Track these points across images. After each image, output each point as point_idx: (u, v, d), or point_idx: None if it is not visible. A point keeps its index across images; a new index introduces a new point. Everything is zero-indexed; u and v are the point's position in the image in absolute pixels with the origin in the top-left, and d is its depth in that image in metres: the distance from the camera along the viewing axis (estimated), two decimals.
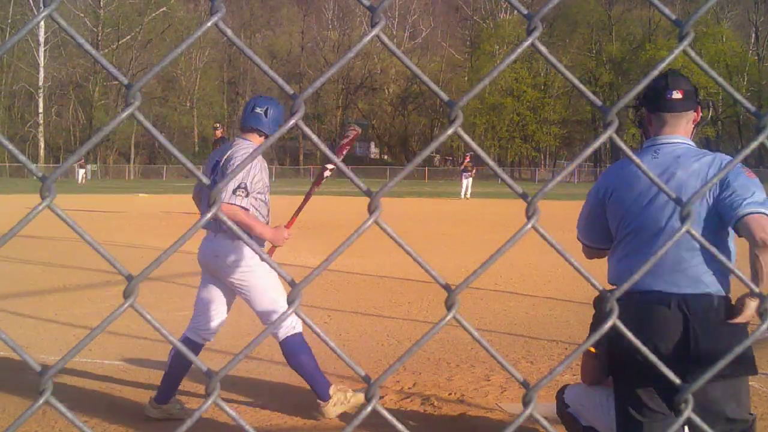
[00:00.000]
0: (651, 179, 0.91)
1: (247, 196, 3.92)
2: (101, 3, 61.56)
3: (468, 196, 28.75)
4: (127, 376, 4.96)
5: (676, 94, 2.73)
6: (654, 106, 2.78)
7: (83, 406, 4.28)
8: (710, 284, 2.58)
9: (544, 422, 0.86)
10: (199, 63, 64.77)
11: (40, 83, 59.26)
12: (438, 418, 4.23)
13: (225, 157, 4.05)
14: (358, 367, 0.84)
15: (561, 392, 3.64)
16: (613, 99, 56.97)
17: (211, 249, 4.07)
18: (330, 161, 1.00)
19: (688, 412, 0.90)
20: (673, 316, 2.55)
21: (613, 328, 0.85)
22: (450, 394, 4.63)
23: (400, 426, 0.81)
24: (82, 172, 48.80)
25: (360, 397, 4.17)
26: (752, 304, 2.49)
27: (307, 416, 4.22)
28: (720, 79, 0.96)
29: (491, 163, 0.84)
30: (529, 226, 0.81)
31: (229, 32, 0.81)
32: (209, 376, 0.78)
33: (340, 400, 4.15)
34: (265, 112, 4.14)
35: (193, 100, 64.42)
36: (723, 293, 2.60)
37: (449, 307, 0.81)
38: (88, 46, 0.83)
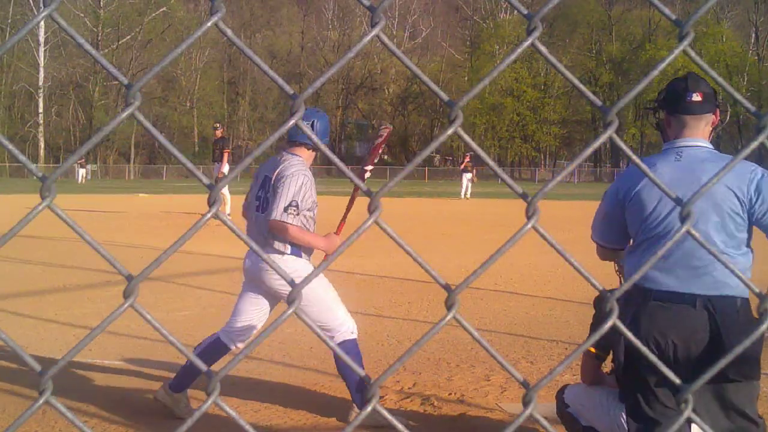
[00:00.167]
0: (652, 180, 0.91)
1: (298, 214, 3.94)
2: (101, 3, 61.54)
3: (468, 196, 28.75)
4: (127, 376, 4.96)
5: (696, 97, 2.73)
6: (673, 108, 2.77)
7: (83, 406, 4.28)
8: (735, 286, 2.59)
9: (544, 422, 0.86)
10: (199, 63, 64.76)
11: (40, 83, 59.25)
12: (438, 418, 4.23)
13: (275, 173, 4.03)
14: (358, 367, 0.84)
15: (561, 392, 3.65)
16: (613, 99, 57.02)
17: (258, 261, 4.08)
18: (332, 161, 1.00)
19: (688, 412, 0.90)
20: (698, 317, 2.56)
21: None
22: (450, 394, 4.63)
23: (400, 426, 0.81)
24: (82, 171, 48.80)
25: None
26: None
27: (307, 416, 4.22)
28: (720, 79, 0.96)
29: (491, 163, 0.84)
30: (529, 226, 0.81)
31: (229, 32, 0.81)
32: (209, 376, 0.78)
33: None
34: (312, 125, 4.14)
35: (193, 100, 64.41)
36: (746, 296, 2.62)
37: (449, 307, 0.81)
38: (88, 46, 0.83)
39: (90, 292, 7.98)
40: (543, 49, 0.83)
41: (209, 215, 0.77)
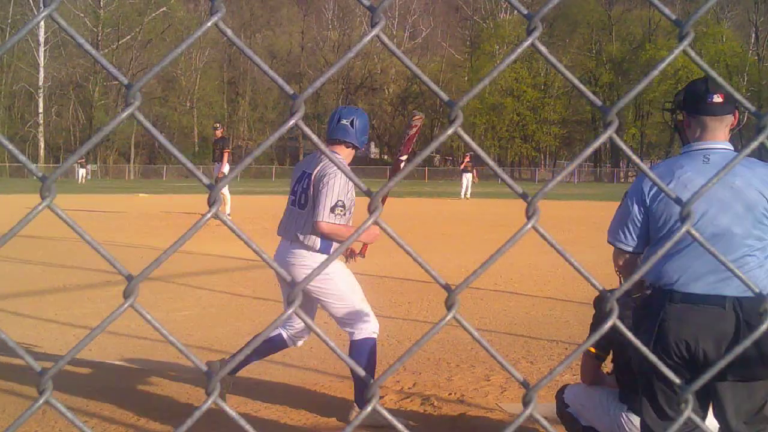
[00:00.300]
0: (653, 180, 0.91)
1: (344, 213, 3.97)
2: (101, 3, 61.53)
3: (468, 196, 28.74)
4: (127, 376, 4.97)
5: (717, 98, 2.72)
6: (694, 109, 2.76)
7: (83, 406, 4.28)
8: (765, 288, 2.59)
9: (544, 422, 0.86)
10: (199, 63, 64.74)
11: (40, 83, 59.24)
12: (438, 418, 4.23)
13: (315, 171, 4.04)
14: (358, 368, 0.84)
15: (561, 392, 3.65)
16: (613, 99, 57.02)
17: (284, 254, 4.11)
18: (332, 161, 1.00)
19: (688, 412, 0.90)
20: (728, 319, 2.55)
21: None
22: (450, 394, 4.63)
23: (400, 426, 0.81)
24: (82, 171, 48.78)
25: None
26: None
27: (307, 416, 4.22)
28: (720, 79, 0.96)
29: (491, 163, 0.84)
30: (529, 226, 0.81)
31: (229, 32, 0.81)
32: (209, 376, 0.78)
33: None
34: (351, 123, 4.16)
35: (193, 100, 64.39)
36: None
37: (449, 307, 0.81)
38: (88, 46, 0.83)
39: (90, 292, 7.98)
40: (543, 49, 0.83)
41: (209, 215, 0.77)
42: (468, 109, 55.67)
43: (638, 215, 2.76)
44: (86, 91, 61.14)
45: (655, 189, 2.71)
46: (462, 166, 29.69)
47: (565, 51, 61.79)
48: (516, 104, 63.74)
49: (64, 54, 60.40)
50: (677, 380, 0.91)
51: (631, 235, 2.81)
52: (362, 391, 4.01)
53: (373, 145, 71.59)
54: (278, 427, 4.05)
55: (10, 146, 0.78)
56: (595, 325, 3.39)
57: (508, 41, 62.90)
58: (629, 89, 0.87)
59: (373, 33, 0.79)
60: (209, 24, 0.77)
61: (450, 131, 0.82)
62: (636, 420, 3.27)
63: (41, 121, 59.45)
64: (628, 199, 2.81)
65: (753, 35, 67.31)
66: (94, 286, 8.29)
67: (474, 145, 0.82)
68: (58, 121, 61.88)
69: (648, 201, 2.73)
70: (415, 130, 4.48)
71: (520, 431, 0.88)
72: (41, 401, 0.75)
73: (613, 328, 0.86)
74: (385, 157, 69.44)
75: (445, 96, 0.88)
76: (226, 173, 15.01)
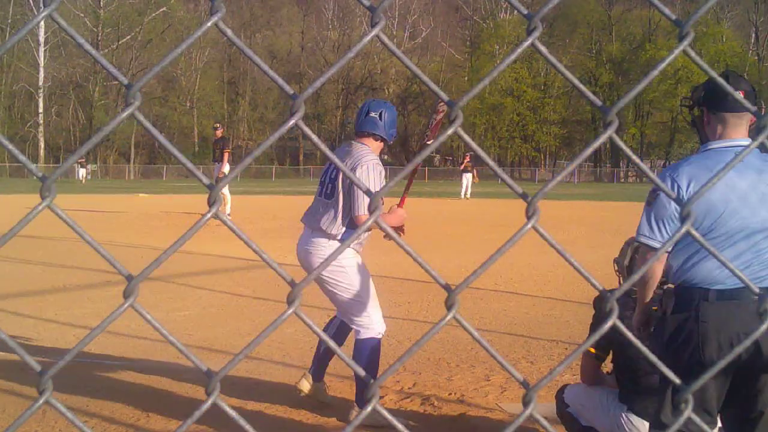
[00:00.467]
0: (653, 181, 0.91)
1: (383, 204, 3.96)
2: (101, 3, 61.52)
3: (468, 196, 28.73)
4: (127, 376, 4.97)
5: (738, 95, 2.71)
6: (714, 106, 2.74)
7: (83, 406, 4.28)
8: None
9: (544, 422, 0.86)
10: (199, 63, 64.73)
11: (40, 83, 59.24)
12: (438, 418, 4.23)
13: (346, 164, 4.06)
14: (358, 368, 0.84)
15: (561, 392, 3.65)
16: (613, 99, 57.01)
17: (305, 242, 4.14)
18: (332, 161, 1.01)
19: (688, 412, 0.90)
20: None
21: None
22: (450, 394, 4.63)
23: (400, 426, 0.81)
24: (82, 171, 48.78)
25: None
26: None
27: (307, 416, 4.22)
28: (720, 79, 0.96)
29: (491, 163, 0.84)
30: (529, 226, 0.81)
31: (229, 32, 0.81)
32: (209, 376, 0.78)
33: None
34: (380, 116, 4.18)
35: (193, 100, 64.39)
36: None
37: (449, 307, 0.81)
38: (88, 46, 0.83)
39: (90, 292, 7.98)
40: (543, 49, 0.83)
41: (209, 215, 0.77)
42: (468, 109, 55.67)
43: (673, 214, 2.68)
44: (86, 91, 61.14)
45: (692, 185, 2.64)
46: (462, 167, 29.69)
47: (565, 51, 61.78)
48: (516, 104, 63.73)
49: (64, 54, 60.41)
50: (677, 380, 0.91)
51: (667, 233, 2.72)
52: (363, 391, 4.02)
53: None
54: (278, 427, 4.05)
55: (10, 146, 0.78)
56: (595, 325, 3.39)
57: (508, 41, 62.89)
58: (629, 89, 0.87)
59: (373, 33, 0.79)
60: (209, 24, 0.77)
61: (450, 131, 0.82)
62: (636, 420, 3.27)
63: (41, 121, 59.45)
64: (663, 197, 2.71)
65: (753, 35, 67.31)
66: (94, 286, 8.29)
67: (474, 145, 0.82)
68: (58, 121, 61.88)
69: (684, 198, 2.65)
70: (441, 115, 4.48)
71: (520, 431, 0.88)
72: (41, 401, 0.75)
73: (613, 328, 0.86)
74: (385, 157, 69.31)
75: (445, 96, 0.88)
76: (227, 173, 15.02)
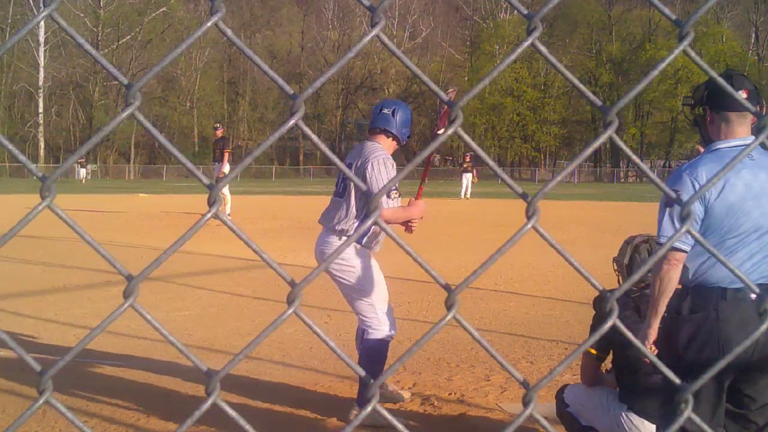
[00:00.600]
0: (652, 181, 0.91)
1: (399, 195, 4.11)
2: (101, 3, 61.50)
3: (468, 196, 28.72)
4: (127, 376, 4.97)
5: (742, 94, 2.70)
6: (718, 105, 2.74)
7: (83, 406, 4.28)
8: None
9: (544, 422, 0.86)
10: (199, 63, 64.71)
11: (40, 83, 59.22)
12: (438, 418, 4.23)
13: (358, 162, 4.09)
14: (358, 367, 0.84)
15: (560, 392, 3.65)
16: (613, 99, 56.96)
17: (320, 242, 4.17)
18: (332, 161, 1.00)
19: (688, 412, 0.90)
20: None
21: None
22: (450, 394, 4.63)
23: (400, 426, 0.81)
24: (83, 171, 48.77)
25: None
26: None
27: (307, 416, 4.22)
28: (720, 79, 0.96)
29: (491, 163, 0.84)
30: (529, 226, 0.81)
31: (229, 32, 0.81)
32: (209, 376, 0.78)
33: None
34: (393, 113, 4.20)
35: (193, 100, 64.37)
36: None
37: (449, 307, 0.81)
38: (88, 46, 0.83)
39: (90, 292, 7.98)
40: (543, 49, 0.83)
41: (209, 215, 0.77)
42: (468, 109, 55.65)
43: (700, 213, 2.65)
44: (86, 91, 61.13)
45: (719, 186, 2.62)
46: (462, 167, 29.68)
47: (565, 51, 61.75)
48: (516, 104, 63.71)
49: (64, 54, 60.39)
50: (677, 380, 0.91)
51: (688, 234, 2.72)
52: (364, 390, 4.02)
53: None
54: (278, 427, 4.05)
55: (10, 146, 0.78)
56: (595, 326, 3.39)
57: (508, 41, 62.86)
58: (629, 89, 0.87)
59: (373, 33, 0.79)
60: (209, 24, 0.77)
61: (450, 131, 0.82)
62: (636, 419, 3.27)
63: (41, 121, 59.44)
64: (684, 196, 2.64)
65: (753, 35, 67.29)
66: (94, 286, 8.29)
67: (474, 145, 0.82)
68: (58, 121, 61.86)
69: (708, 199, 2.65)
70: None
71: (520, 431, 0.88)
72: (41, 401, 0.75)
73: (613, 328, 0.86)
74: None
75: (445, 96, 0.88)
76: (227, 173, 15.02)
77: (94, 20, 61.26)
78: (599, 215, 20.12)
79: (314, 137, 0.85)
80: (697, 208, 2.64)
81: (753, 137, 2.72)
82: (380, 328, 4.08)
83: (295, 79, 62.15)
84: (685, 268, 2.70)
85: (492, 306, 7.43)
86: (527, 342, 6.02)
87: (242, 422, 0.80)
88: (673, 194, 0.90)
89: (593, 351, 3.43)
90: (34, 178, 0.79)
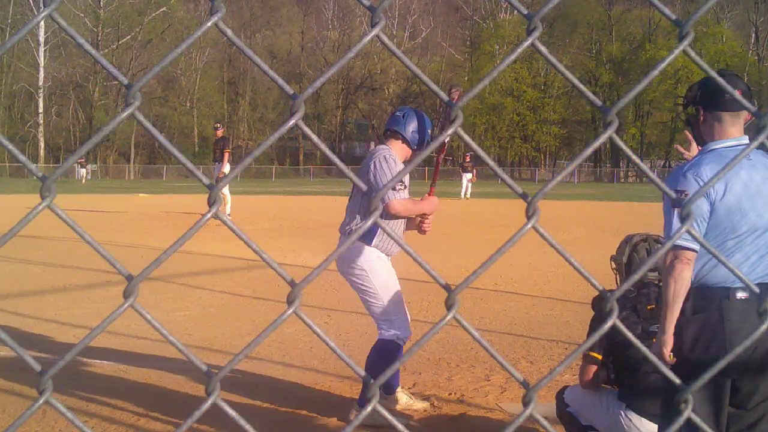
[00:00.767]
0: (652, 180, 0.91)
1: (404, 188, 4.11)
2: (101, 3, 61.49)
3: (468, 196, 28.72)
4: (127, 376, 4.97)
5: (737, 94, 2.71)
6: (711, 105, 2.74)
7: (83, 406, 4.28)
8: None
9: (544, 422, 0.86)
10: (199, 63, 64.71)
11: (40, 83, 59.22)
12: (438, 418, 4.23)
13: (365, 161, 4.19)
14: (358, 367, 0.84)
15: (561, 393, 3.65)
16: (613, 99, 56.97)
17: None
18: (332, 161, 1.00)
19: (688, 412, 0.90)
20: None
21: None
22: (450, 394, 4.63)
23: (400, 426, 0.81)
24: (83, 171, 48.76)
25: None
26: None
27: (307, 416, 4.22)
28: (720, 80, 0.96)
29: (491, 163, 0.84)
30: (529, 226, 0.81)
31: (229, 32, 0.81)
32: (209, 376, 0.78)
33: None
34: (404, 116, 4.25)
35: (193, 100, 64.36)
36: None
37: (449, 307, 0.81)
38: (88, 46, 0.83)
39: (90, 292, 7.98)
40: (543, 49, 0.83)
41: (209, 215, 0.77)
42: (468, 109, 55.65)
43: (706, 214, 2.65)
44: (86, 91, 61.12)
45: (719, 184, 2.62)
46: (462, 167, 29.69)
47: (565, 51, 61.74)
48: (516, 104, 63.70)
49: (64, 54, 60.38)
50: (677, 380, 0.91)
51: (702, 233, 2.65)
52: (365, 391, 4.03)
53: (373, 145, 71.64)
54: (278, 427, 4.05)
55: (10, 146, 0.78)
56: (594, 327, 3.39)
57: (508, 41, 62.86)
58: (629, 89, 0.87)
59: (373, 33, 0.79)
60: (209, 24, 0.77)
61: (450, 131, 0.82)
62: (635, 417, 3.27)
63: (41, 121, 59.43)
64: (699, 197, 2.70)
65: (753, 35, 67.28)
66: (94, 286, 8.29)
67: (474, 145, 0.82)
68: (58, 121, 61.85)
69: (714, 198, 2.64)
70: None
71: (520, 431, 0.88)
72: (41, 401, 0.75)
73: (614, 329, 0.86)
74: None
75: (445, 96, 0.88)
76: (227, 173, 15.02)
77: (94, 20, 61.25)
78: (599, 215, 20.12)
79: (314, 137, 0.85)
80: (705, 208, 2.64)
81: (746, 137, 2.74)
82: (392, 330, 4.08)
83: (295, 79, 62.13)
84: None
85: (492, 306, 7.43)
86: (527, 342, 6.01)
87: (242, 422, 0.80)
88: (673, 194, 0.90)
89: (598, 356, 3.41)
90: (34, 178, 0.79)
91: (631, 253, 3.49)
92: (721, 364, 0.93)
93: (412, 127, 4.23)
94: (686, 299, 2.68)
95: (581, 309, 6.39)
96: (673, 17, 0.85)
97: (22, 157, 0.79)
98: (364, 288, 4.10)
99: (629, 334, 0.89)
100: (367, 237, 4.03)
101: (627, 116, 60.16)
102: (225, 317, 6.90)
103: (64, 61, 60.61)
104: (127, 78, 0.78)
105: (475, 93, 0.84)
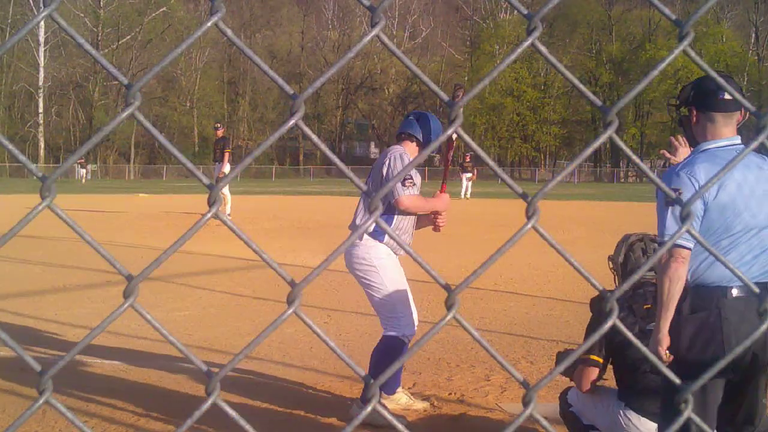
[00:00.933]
0: (651, 180, 0.91)
1: (414, 184, 4.13)
2: (101, 3, 61.48)
3: (468, 196, 28.72)
4: (127, 376, 4.96)
5: (728, 94, 2.73)
6: (704, 105, 2.75)
7: (83, 406, 4.28)
8: None
9: (544, 422, 0.86)
10: (199, 63, 64.70)
11: (40, 83, 59.21)
12: (438, 418, 4.23)
13: (378, 161, 4.25)
14: (358, 367, 0.84)
15: (564, 393, 3.66)
16: (613, 99, 56.98)
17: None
18: (332, 161, 1.00)
19: (688, 412, 0.90)
20: None
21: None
22: (450, 394, 4.63)
23: (400, 426, 0.81)
24: (83, 171, 48.75)
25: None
26: None
27: (307, 416, 4.22)
28: (720, 80, 0.96)
29: (491, 163, 0.84)
30: (529, 226, 0.81)
31: (229, 32, 0.81)
32: (209, 376, 0.78)
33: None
34: (418, 119, 4.34)
35: (193, 100, 64.36)
36: None
37: (449, 307, 0.81)
38: (88, 46, 0.83)
39: (90, 292, 7.98)
40: (543, 49, 0.83)
41: (209, 215, 0.77)
42: (468, 109, 55.65)
43: (700, 212, 2.65)
44: (86, 91, 61.11)
45: (715, 186, 2.61)
46: (463, 167, 29.70)
47: (565, 51, 61.74)
48: (516, 104, 63.70)
49: (64, 54, 60.38)
50: (677, 380, 0.91)
51: (696, 231, 2.68)
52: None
53: (373, 145, 71.63)
54: (278, 427, 4.05)
55: (10, 146, 0.78)
56: (592, 329, 3.39)
57: (508, 41, 62.85)
58: (629, 89, 0.87)
59: (373, 33, 0.79)
60: (209, 24, 0.77)
61: (450, 131, 0.82)
62: (634, 416, 3.27)
63: (41, 121, 59.43)
64: (686, 195, 2.65)
65: (753, 35, 67.28)
66: (94, 286, 8.29)
67: (474, 145, 0.82)
68: (58, 121, 61.85)
69: (707, 198, 2.64)
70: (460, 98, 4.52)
71: (520, 431, 0.88)
72: (41, 401, 0.75)
73: (613, 329, 0.86)
74: None
75: (445, 96, 0.88)
76: (227, 173, 15.01)
77: (94, 20, 61.25)
78: (599, 215, 20.12)
79: (314, 137, 0.85)
80: (698, 207, 2.65)
81: (739, 137, 2.74)
82: (397, 327, 4.10)
83: (295, 79, 62.13)
84: None
85: (492, 306, 7.43)
86: (527, 342, 6.01)
87: (242, 422, 0.80)
88: (673, 194, 0.90)
89: (598, 359, 3.39)
90: (34, 178, 0.79)
91: (627, 253, 3.49)
92: (722, 363, 0.93)
93: (426, 130, 4.30)
94: (683, 298, 2.68)
95: (581, 309, 6.38)
96: (673, 17, 0.85)
97: (22, 157, 0.79)
98: (371, 284, 4.11)
99: (629, 334, 0.89)
100: (380, 234, 4.05)
101: (627, 116, 60.16)
102: (225, 317, 6.90)
103: (64, 61, 60.61)
104: (127, 78, 0.78)
105: (475, 93, 0.84)
